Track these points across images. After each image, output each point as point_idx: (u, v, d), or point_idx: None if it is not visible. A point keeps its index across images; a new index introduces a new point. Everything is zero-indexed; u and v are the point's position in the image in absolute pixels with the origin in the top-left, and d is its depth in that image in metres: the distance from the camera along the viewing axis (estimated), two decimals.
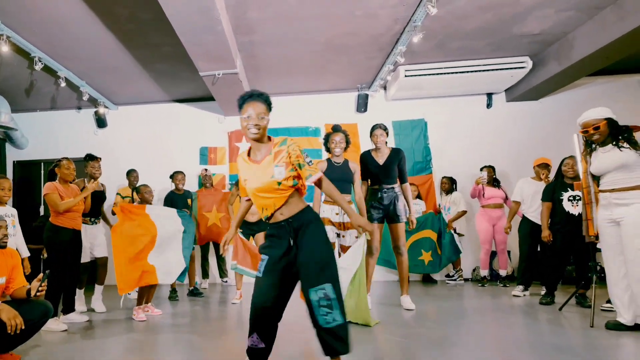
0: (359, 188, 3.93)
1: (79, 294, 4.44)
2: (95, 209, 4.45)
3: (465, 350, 2.77)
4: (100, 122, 6.81)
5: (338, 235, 4.03)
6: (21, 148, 6.95)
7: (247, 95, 2.16)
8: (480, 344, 2.95)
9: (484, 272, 5.67)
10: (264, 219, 2.25)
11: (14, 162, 7.04)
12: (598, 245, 3.48)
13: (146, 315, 4.11)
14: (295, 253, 2.14)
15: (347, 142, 3.94)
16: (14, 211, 3.78)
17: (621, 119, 3.13)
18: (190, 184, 6.50)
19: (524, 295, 4.75)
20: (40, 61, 4.98)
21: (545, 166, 4.89)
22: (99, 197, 4.47)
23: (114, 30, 4.64)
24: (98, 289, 4.58)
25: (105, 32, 4.66)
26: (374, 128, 4.12)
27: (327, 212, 3.95)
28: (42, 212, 6.70)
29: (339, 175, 3.82)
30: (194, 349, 3.05)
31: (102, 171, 4.44)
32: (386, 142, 4.09)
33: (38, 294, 2.73)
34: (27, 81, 5.88)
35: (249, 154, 2.24)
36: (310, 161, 2.18)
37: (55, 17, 4.32)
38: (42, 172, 6.96)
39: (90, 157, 4.38)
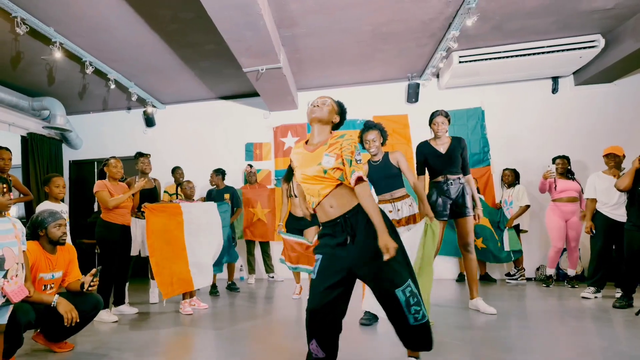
0: (412, 175, 3.63)
1: (154, 285, 4.73)
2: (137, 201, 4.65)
3: (530, 358, 2.61)
4: (149, 122, 7.12)
5: None
6: (76, 148, 7.43)
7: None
8: (547, 351, 2.77)
9: (551, 271, 5.33)
10: (312, 208, 2.24)
11: (69, 161, 7.55)
12: None
13: (192, 309, 4.29)
14: (354, 251, 2.05)
15: (384, 137, 3.71)
16: (66, 207, 4.08)
17: None
18: (236, 181, 6.66)
19: (595, 297, 4.43)
20: (91, 65, 5.29)
21: (614, 157, 4.53)
22: (151, 192, 4.71)
23: (157, 31, 4.81)
24: (153, 283, 4.78)
25: (150, 33, 4.84)
26: (434, 115, 3.92)
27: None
28: (95, 209, 7.14)
29: (381, 174, 3.67)
30: (236, 344, 3.12)
31: (153, 169, 4.69)
32: (447, 131, 3.90)
33: (90, 288, 3.00)
34: (80, 85, 6.24)
35: (306, 143, 2.30)
36: (360, 160, 2.11)
37: (101, 22, 4.55)
38: (95, 170, 7.41)
39: (140, 154, 4.70)
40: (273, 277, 6.41)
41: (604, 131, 5.77)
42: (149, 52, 5.33)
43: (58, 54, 4.76)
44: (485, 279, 5.92)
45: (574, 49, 5.22)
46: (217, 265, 4.59)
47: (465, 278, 4.00)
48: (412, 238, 3.13)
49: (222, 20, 3.98)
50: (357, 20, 4.63)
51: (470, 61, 5.45)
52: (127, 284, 4.53)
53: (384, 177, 3.65)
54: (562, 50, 5.24)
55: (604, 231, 4.48)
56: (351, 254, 2.05)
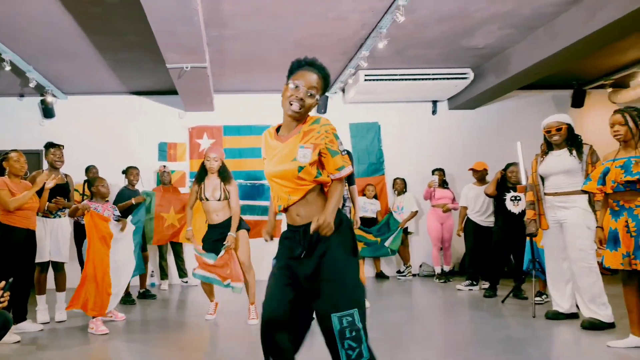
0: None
1: (41, 300, 3.94)
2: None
3: (417, 345, 2.94)
4: (47, 112, 6.19)
5: None
6: None
7: (304, 62, 1.81)
8: (431, 339, 3.16)
9: (438, 269, 5.94)
10: (278, 211, 1.82)
11: None
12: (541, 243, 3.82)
13: (107, 324, 3.71)
14: (309, 267, 1.66)
15: None
16: None
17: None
18: (148, 181, 6.16)
19: (470, 289, 5.09)
20: None
21: (475, 171, 5.34)
22: (63, 189, 4.01)
23: (74, 13, 4.20)
24: (60, 296, 4.05)
25: (64, 13, 4.19)
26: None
27: None
28: None
29: None
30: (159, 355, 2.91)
31: (64, 161, 4.08)
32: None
33: (0, 305, 2.34)
34: None
35: (277, 129, 1.85)
36: (345, 151, 1.79)
37: None
38: None
39: (52, 145, 4.02)
40: (187, 282, 5.98)
41: (470, 149, 6.63)
42: (59, 35, 4.64)
43: None
44: (379, 276, 6.38)
45: (452, 78, 6.04)
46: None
47: None
48: None
49: (155, 9, 3.63)
50: (285, 30, 4.73)
51: (374, 80, 5.92)
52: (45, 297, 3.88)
53: None
54: (443, 79, 6.04)
55: (473, 234, 5.21)
56: (305, 268, 1.68)
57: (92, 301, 3.52)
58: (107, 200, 4.29)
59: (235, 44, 5.05)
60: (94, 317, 3.58)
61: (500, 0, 4.23)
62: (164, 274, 5.88)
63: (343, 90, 6.70)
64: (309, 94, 1.73)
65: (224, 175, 3.82)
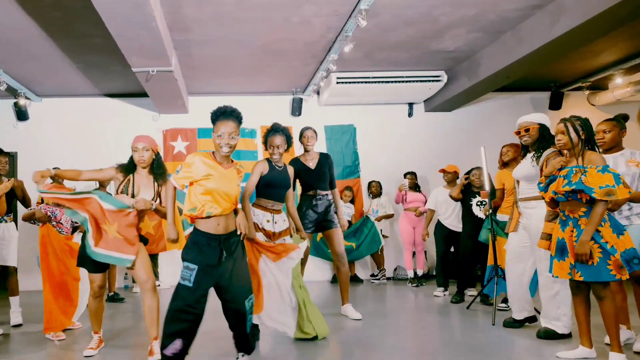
0: (292, 196, 3.53)
1: (14, 303, 3.95)
2: (3, 205, 3.97)
3: (385, 353, 2.92)
4: (21, 115, 6.17)
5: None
6: None
7: (219, 112, 2.36)
8: (399, 345, 3.15)
9: (410, 273, 5.89)
10: (203, 216, 2.30)
11: None
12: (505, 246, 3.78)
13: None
14: (224, 266, 2.31)
15: (288, 144, 3.41)
16: None
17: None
18: None
19: (444, 295, 5.04)
20: None
21: (446, 173, 5.25)
22: (8, 193, 3.93)
23: (34, 17, 4.18)
24: (14, 300, 4.01)
25: (24, 17, 4.18)
26: (304, 130, 3.96)
27: (259, 216, 3.32)
28: None
29: (280, 181, 3.37)
30: None
31: (24, 168, 4.04)
32: (313, 146, 3.99)
33: None
34: None
35: (213, 154, 2.43)
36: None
37: None
38: None
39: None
40: (159, 284, 5.97)
41: (446, 152, 6.59)
42: (24, 39, 4.62)
43: None
44: (354, 279, 6.34)
45: (425, 80, 6.00)
46: None
47: (339, 286, 4.06)
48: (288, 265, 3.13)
49: (110, 15, 3.60)
50: (250, 34, 4.69)
51: (346, 82, 5.87)
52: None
53: (282, 185, 3.39)
54: (416, 81, 5.99)
55: (443, 238, 5.12)
56: (221, 269, 2.30)
57: (58, 318, 3.48)
58: None
59: (202, 48, 5.02)
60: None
61: (465, 4, 4.19)
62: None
63: (318, 93, 6.67)
64: (231, 137, 2.33)
65: (157, 171, 3.01)
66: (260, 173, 3.31)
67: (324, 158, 3.97)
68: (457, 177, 5.26)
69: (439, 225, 5.21)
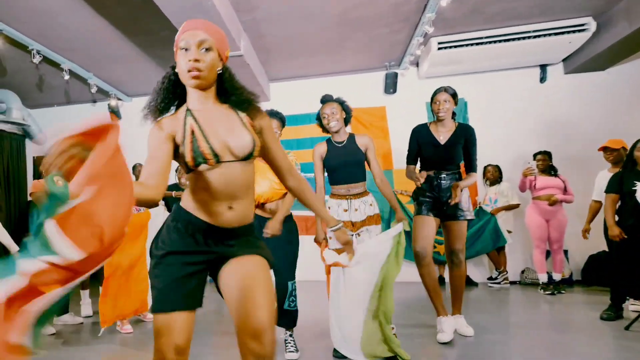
0: (379, 169, 2.97)
1: (84, 295, 4.28)
2: None
3: None
4: (115, 115, 6.56)
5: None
6: (39, 144, 6.91)
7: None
8: None
9: (543, 277, 4.79)
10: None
11: (33, 157, 7.08)
12: None
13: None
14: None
15: (347, 113, 2.99)
16: None
17: None
18: None
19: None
20: (38, 54, 4.79)
21: (611, 151, 4.05)
22: None
23: (105, 16, 4.30)
24: (84, 293, 4.34)
25: (97, 19, 4.33)
26: (436, 92, 3.11)
27: (334, 209, 2.97)
28: None
29: (342, 160, 2.94)
30: None
31: None
32: (454, 114, 3.16)
33: None
34: (35, 76, 5.74)
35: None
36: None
37: (41, 6, 4.04)
38: None
39: None
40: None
41: (595, 124, 5.26)
42: (102, 40, 4.83)
43: None
44: (466, 282, 5.40)
45: (562, 33, 4.69)
46: None
47: (450, 290, 3.27)
48: (377, 247, 2.60)
49: (168, 4, 3.50)
50: (321, 4, 4.10)
51: (450, 47, 4.93)
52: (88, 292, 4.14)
53: (347, 163, 2.94)
54: (549, 35, 4.71)
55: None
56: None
57: (127, 303, 3.54)
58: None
59: (272, 27, 4.61)
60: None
61: None
62: None
63: (417, 65, 5.70)
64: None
65: None
66: (320, 157, 3.01)
67: (461, 131, 3.12)
68: (625, 155, 3.91)
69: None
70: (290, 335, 2.84)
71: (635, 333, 3.04)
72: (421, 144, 3.16)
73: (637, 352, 2.62)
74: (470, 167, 3.13)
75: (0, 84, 5.92)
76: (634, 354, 2.59)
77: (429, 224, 3.07)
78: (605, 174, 4.14)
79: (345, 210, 2.92)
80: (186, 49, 1.40)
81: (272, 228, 2.61)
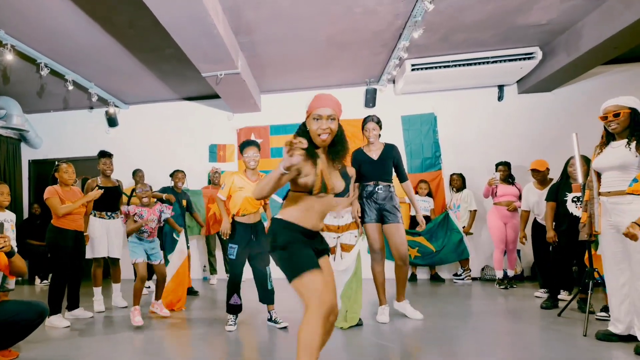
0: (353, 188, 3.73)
1: (98, 292, 4.61)
2: (111, 204, 4.63)
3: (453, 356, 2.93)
4: (111, 122, 7.19)
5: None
6: (35, 147, 7.41)
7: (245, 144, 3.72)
8: (471, 351, 3.08)
9: (500, 274, 5.65)
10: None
11: (29, 161, 7.52)
12: (598, 251, 3.51)
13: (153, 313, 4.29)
14: (255, 244, 3.68)
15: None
16: (13, 216, 3.80)
17: None
18: (201, 181, 6.85)
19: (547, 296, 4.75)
20: (46, 67, 5.31)
21: (536, 172, 4.96)
22: (114, 192, 4.62)
23: (115, 36, 4.93)
24: (116, 287, 4.80)
25: (107, 38, 4.95)
26: (365, 121, 3.89)
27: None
28: None
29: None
30: (187, 349, 3.29)
31: (116, 170, 4.69)
32: (379, 136, 3.94)
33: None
34: (37, 84, 6.25)
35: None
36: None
37: (57, 27, 4.66)
38: None
39: (102, 154, 4.58)
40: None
41: (545, 138, 6.20)
42: (108, 55, 5.42)
43: (9, 57, 4.78)
44: (435, 279, 6.30)
45: (515, 59, 5.65)
46: None
47: (395, 281, 3.96)
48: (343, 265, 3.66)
49: (176, 30, 4.16)
50: (312, 30, 4.90)
51: (422, 69, 5.80)
52: (100, 289, 4.59)
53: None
54: (504, 61, 5.67)
55: (542, 237, 4.77)
56: (252, 245, 3.67)
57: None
58: (157, 201, 4.58)
59: (268, 48, 5.35)
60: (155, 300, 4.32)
61: None
62: (212, 269, 6.50)
63: (394, 82, 6.64)
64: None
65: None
66: None
67: (389, 149, 3.93)
68: (548, 174, 4.95)
69: (536, 224, 4.99)
70: (274, 312, 3.82)
71: (565, 319, 3.82)
72: (360, 162, 3.88)
73: (565, 334, 3.38)
74: (402, 178, 3.94)
75: (1, 91, 6.44)
76: (563, 335, 3.36)
77: (375, 229, 3.83)
78: (530, 186, 5.02)
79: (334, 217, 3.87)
80: (318, 119, 2.05)
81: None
